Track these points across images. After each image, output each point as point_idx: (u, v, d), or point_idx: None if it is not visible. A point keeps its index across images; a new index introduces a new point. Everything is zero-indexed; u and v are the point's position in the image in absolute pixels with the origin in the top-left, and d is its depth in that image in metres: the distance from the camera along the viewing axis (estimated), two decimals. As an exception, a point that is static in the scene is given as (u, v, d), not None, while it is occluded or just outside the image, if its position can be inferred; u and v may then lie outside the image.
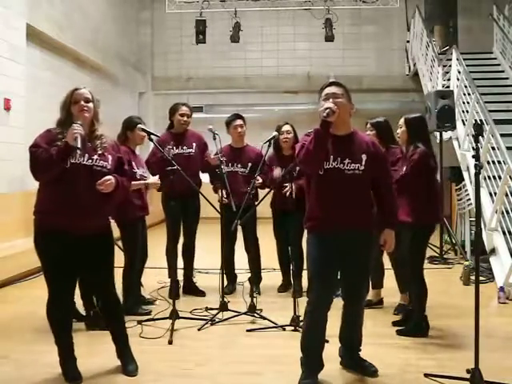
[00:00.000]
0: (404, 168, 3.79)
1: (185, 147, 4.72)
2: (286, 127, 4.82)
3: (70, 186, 2.87)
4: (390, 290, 4.44)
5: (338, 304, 3.08)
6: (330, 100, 2.88)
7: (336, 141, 2.90)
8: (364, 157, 2.90)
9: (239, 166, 4.90)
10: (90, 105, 2.96)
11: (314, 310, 2.93)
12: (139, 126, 4.22)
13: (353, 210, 2.88)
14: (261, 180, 4.68)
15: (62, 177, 2.86)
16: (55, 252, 2.90)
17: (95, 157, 2.93)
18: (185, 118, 4.76)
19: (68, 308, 3.12)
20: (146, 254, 4.43)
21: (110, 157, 3.00)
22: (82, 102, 2.92)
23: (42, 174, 2.88)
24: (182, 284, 4.87)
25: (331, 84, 3.00)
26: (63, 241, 2.87)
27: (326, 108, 2.80)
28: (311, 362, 2.94)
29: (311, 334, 2.96)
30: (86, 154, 2.91)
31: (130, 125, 4.32)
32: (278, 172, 4.68)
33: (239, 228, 4.43)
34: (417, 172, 3.70)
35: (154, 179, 4.32)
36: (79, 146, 2.77)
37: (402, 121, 3.93)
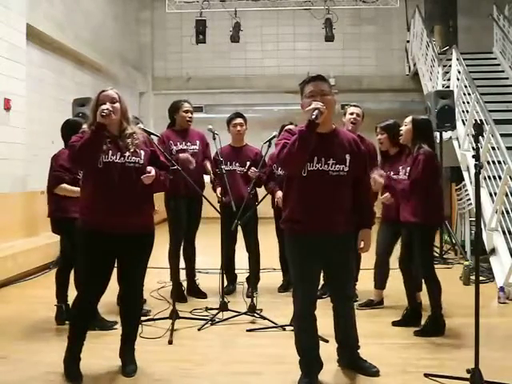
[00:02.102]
0: (408, 168, 3.79)
1: (189, 143, 4.71)
2: (291, 127, 4.82)
3: (104, 186, 2.94)
4: (391, 290, 4.45)
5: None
6: (318, 98, 2.76)
7: (319, 140, 2.75)
8: (348, 157, 2.83)
9: (238, 164, 4.90)
10: (117, 105, 2.99)
11: (302, 313, 2.92)
12: (139, 126, 4.21)
13: (336, 213, 2.82)
14: (253, 170, 4.62)
15: (97, 177, 2.94)
16: (95, 251, 2.94)
17: (127, 154, 2.99)
18: (189, 115, 4.75)
19: (94, 307, 3.16)
20: None
21: (142, 152, 3.04)
22: (108, 104, 2.94)
23: (82, 159, 2.93)
24: (185, 286, 4.86)
25: (315, 79, 2.85)
26: (103, 240, 2.91)
27: (315, 109, 2.66)
28: (309, 362, 2.94)
29: (304, 337, 2.94)
30: (118, 153, 2.97)
31: None
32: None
33: (239, 228, 4.43)
34: (424, 174, 3.68)
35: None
36: (105, 112, 2.85)
37: (408, 119, 3.90)
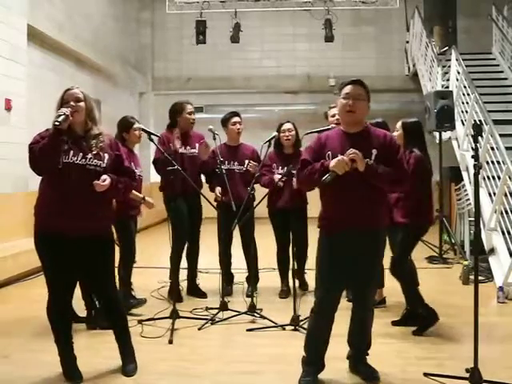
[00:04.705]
0: None
1: (188, 147, 4.71)
2: (288, 125, 4.83)
3: (63, 187, 2.86)
4: (392, 290, 4.45)
5: (344, 304, 3.08)
6: (350, 101, 2.87)
7: (348, 138, 2.90)
8: (374, 151, 2.85)
9: (236, 163, 4.89)
10: (81, 104, 2.93)
11: (319, 312, 2.94)
12: (139, 126, 4.23)
13: (364, 208, 2.85)
14: (252, 163, 4.68)
15: (55, 177, 2.87)
16: (52, 253, 2.90)
17: (89, 156, 2.91)
18: (193, 117, 4.76)
19: (67, 308, 3.13)
20: (134, 254, 4.44)
21: (106, 155, 2.97)
22: (72, 103, 2.90)
23: (41, 166, 2.86)
24: (185, 285, 4.87)
25: (354, 82, 2.94)
26: (60, 242, 2.87)
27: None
28: (312, 361, 2.96)
29: (315, 334, 2.97)
30: (80, 153, 2.90)
31: (125, 126, 4.36)
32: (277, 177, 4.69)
33: (236, 228, 4.44)
34: (414, 177, 3.66)
35: (150, 199, 4.32)
36: (59, 120, 2.77)
37: (399, 124, 3.94)
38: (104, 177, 2.90)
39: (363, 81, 2.99)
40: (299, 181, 3.08)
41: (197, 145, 4.72)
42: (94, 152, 2.93)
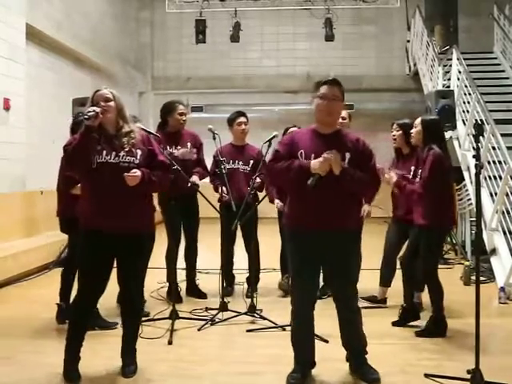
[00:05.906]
0: (420, 170, 3.77)
1: (179, 147, 4.66)
2: (294, 129, 4.81)
3: (98, 187, 2.93)
4: (393, 290, 4.43)
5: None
6: (328, 102, 2.86)
7: (320, 139, 2.89)
8: (348, 155, 2.84)
9: (241, 163, 4.87)
10: (111, 104, 2.98)
11: (298, 310, 2.96)
12: (139, 125, 4.20)
13: (334, 208, 2.83)
14: (259, 180, 4.65)
15: (91, 178, 2.93)
16: (90, 251, 2.95)
17: (122, 153, 2.95)
18: (184, 118, 4.70)
19: (92, 307, 3.15)
20: None
21: (139, 151, 3.00)
22: (101, 103, 2.94)
23: (74, 165, 2.97)
24: (184, 286, 4.84)
25: (331, 83, 2.91)
26: (98, 240, 2.91)
27: (313, 177, 2.74)
28: (300, 358, 2.98)
29: (298, 333, 2.99)
30: (113, 152, 2.94)
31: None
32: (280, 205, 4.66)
33: (238, 228, 4.42)
34: (433, 174, 3.65)
35: None
36: (88, 115, 2.82)
37: (418, 121, 3.90)
38: (134, 170, 2.93)
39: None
40: (272, 172, 2.96)
41: (189, 144, 4.66)
42: (127, 149, 2.97)
